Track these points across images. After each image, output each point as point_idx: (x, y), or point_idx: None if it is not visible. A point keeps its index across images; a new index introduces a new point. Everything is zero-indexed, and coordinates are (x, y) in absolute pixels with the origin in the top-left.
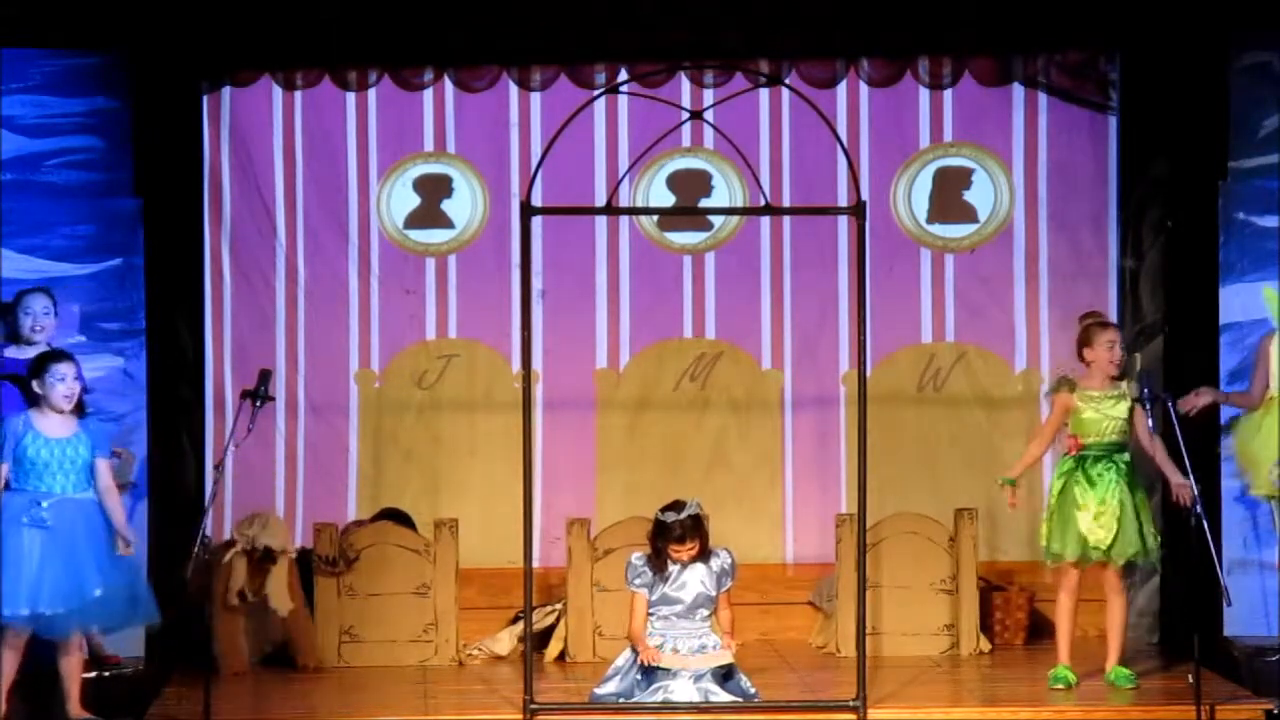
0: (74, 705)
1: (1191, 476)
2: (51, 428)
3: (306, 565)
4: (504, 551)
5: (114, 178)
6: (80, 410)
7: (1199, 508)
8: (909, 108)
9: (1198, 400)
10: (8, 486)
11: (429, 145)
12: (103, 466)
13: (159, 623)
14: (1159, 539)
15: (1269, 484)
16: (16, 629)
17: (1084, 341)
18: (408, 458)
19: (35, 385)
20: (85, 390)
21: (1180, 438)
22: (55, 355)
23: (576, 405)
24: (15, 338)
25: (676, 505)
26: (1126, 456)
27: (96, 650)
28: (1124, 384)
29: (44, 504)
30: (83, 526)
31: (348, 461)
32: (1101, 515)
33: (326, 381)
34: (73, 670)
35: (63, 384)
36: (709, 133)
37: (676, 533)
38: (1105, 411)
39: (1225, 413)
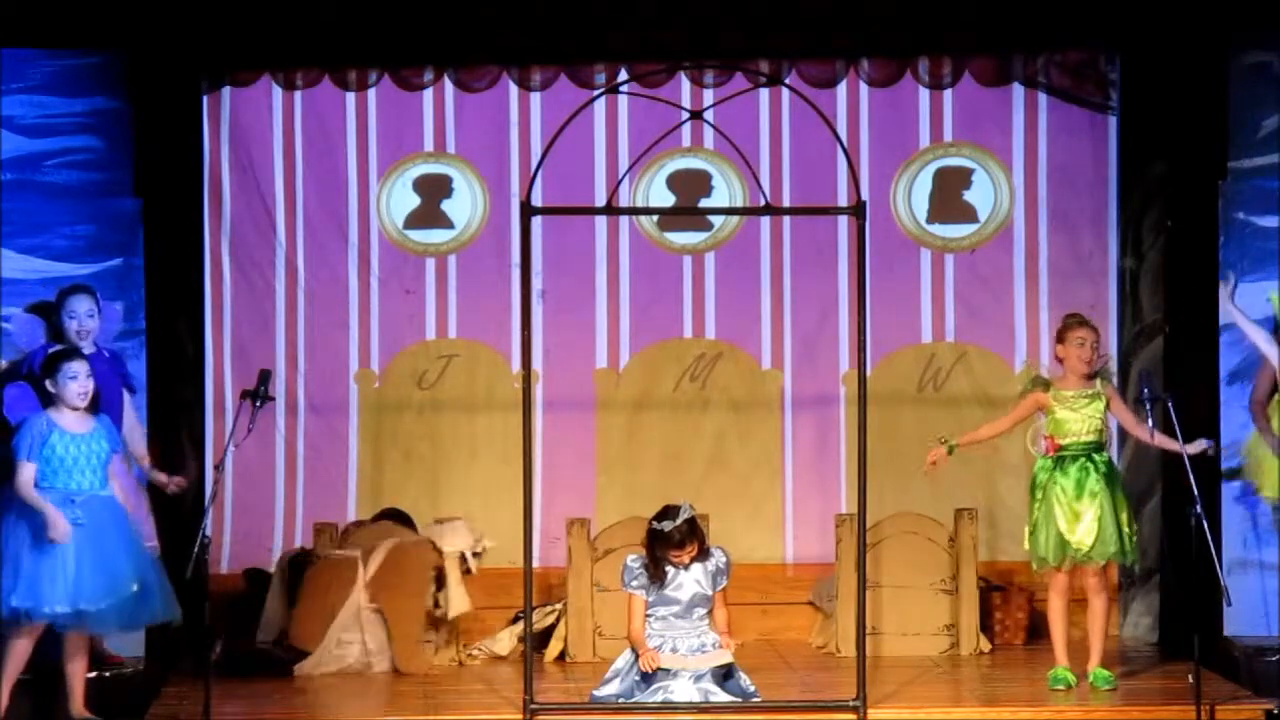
0: (77, 705)
1: (1192, 476)
2: (72, 424)
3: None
4: (504, 551)
5: (114, 178)
6: (96, 406)
7: (1199, 507)
8: (909, 108)
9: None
10: (35, 486)
11: (429, 145)
12: (116, 462)
13: (180, 619)
14: (1136, 540)
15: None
16: (33, 626)
17: (1058, 339)
18: (408, 458)
19: (48, 385)
20: (133, 389)
21: (1180, 438)
22: (65, 354)
23: (576, 405)
24: (60, 339)
25: (670, 512)
26: (1105, 456)
27: (98, 650)
28: (1098, 383)
29: (77, 501)
30: (112, 523)
31: (348, 461)
32: (1080, 516)
33: (326, 381)
34: (78, 671)
35: (75, 382)
36: (709, 133)
37: (676, 539)
38: (1080, 411)
39: (1229, 417)
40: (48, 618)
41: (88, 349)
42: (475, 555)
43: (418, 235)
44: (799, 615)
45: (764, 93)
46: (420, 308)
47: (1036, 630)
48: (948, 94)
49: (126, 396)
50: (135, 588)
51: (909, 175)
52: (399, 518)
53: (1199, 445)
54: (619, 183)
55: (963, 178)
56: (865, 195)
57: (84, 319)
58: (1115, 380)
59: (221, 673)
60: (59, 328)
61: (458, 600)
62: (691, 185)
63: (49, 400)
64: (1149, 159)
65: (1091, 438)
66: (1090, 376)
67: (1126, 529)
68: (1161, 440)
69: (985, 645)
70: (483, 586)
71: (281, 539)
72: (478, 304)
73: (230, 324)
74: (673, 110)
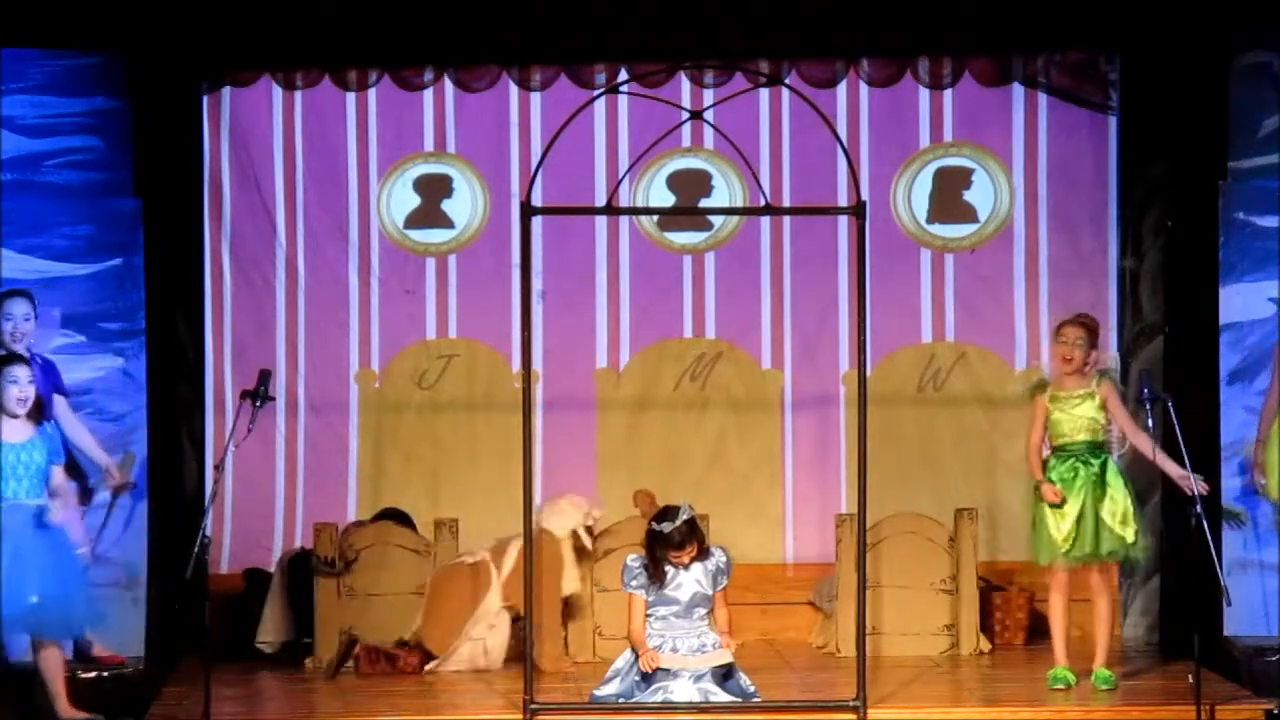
0: (62, 704)
1: (1192, 476)
2: (7, 433)
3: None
4: None
5: (114, 178)
6: (39, 416)
7: (1199, 508)
8: (909, 108)
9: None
10: None
11: (429, 145)
12: (56, 473)
13: (95, 629)
14: (1139, 537)
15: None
16: None
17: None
18: (408, 458)
19: None
20: (66, 394)
21: (1180, 438)
22: (8, 359)
23: (576, 405)
24: None
25: (669, 513)
26: (1102, 456)
27: (84, 650)
28: (1093, 383)
29: None
30: (31, 532)
31: (348, 461)
32: (1065, 515)
33: (326, 381)
34: (52, 667)
35: (15, 387)
36: (709, 133)
37: (676, 540)
38: (1071, 412)
39: (1229, 417)
40: None
41: (20, 351)
42: (588, 529)
43: (418, 235)
44: (799, 615)
45: (764, 93)
46: (420, 308)
47: (1036, 630)
48: (948, 94)
49: (62, 402)
50: (34, 599)
51: (909, 175)
52: (399, 518)
53: (1198, 485)
54: (619, 183)
55: (963, 178)
56: (865, 195)
57: (20, 322)
58: (1117, 379)
59: (357, 672)
60: None
61: (570, 580)
62: (691, 185)
63: None
64: (1149, 159)
65: (1085, 437)
66: (1085, 375)
67: (1120, 529)
68: (1162, 460)
69: (985, 645)
70: None
71: (281, 539)
72: (478, 304)
73: (230, 324)
74: (673, 110)
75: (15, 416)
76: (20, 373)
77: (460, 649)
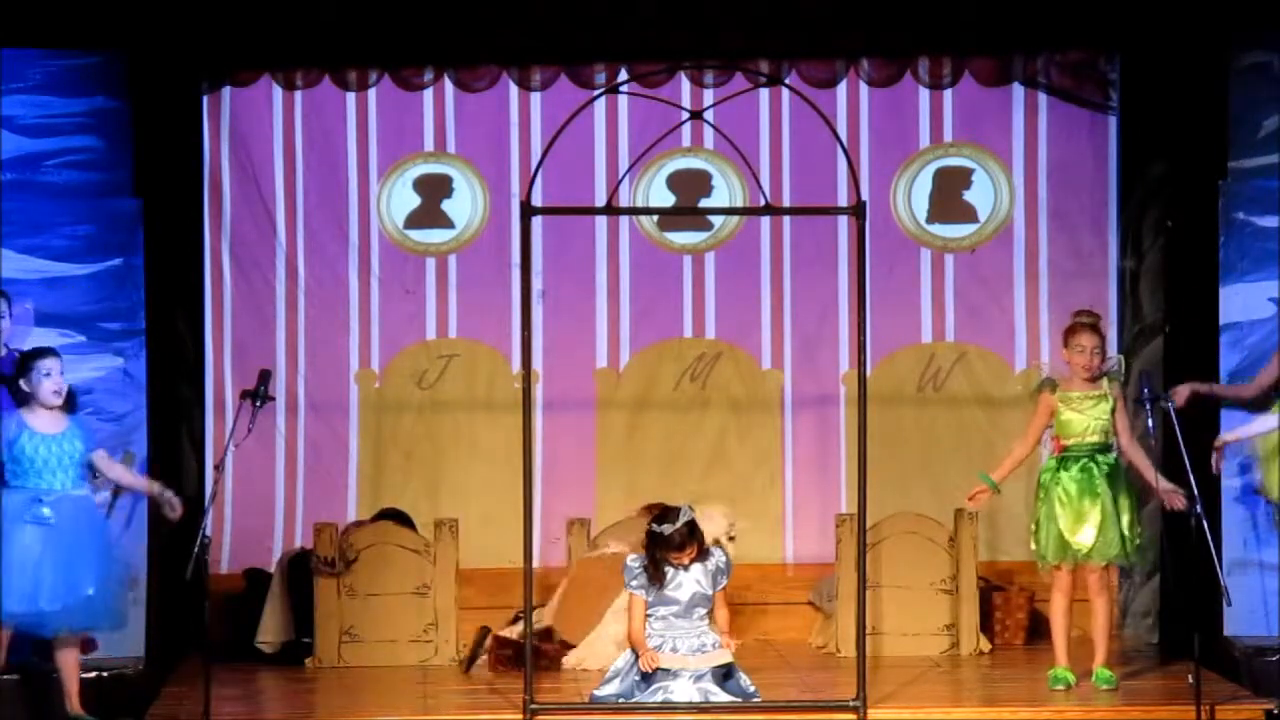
0: (73, 702)
1: (1192, 476)
2: (43, 424)
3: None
4: (504, 551)
5: (114, 178)
6: (70, 406)
7: (1199, 508)
8: (909, 108)
9: (1181, 392)
10: (5, 484)
11: (429, 145)
12: (101, 457)
13: (121, 628)
14: (1141, 541)
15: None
16: (6, 625)
17: (1064, 342)
18: (408, 458)
19: (23, 383)
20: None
21: (1180, 438)
22: (40, 352)
23: (576, 405)
24: None
25: (669, 514)
26: (1110, 457)
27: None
28: (1105, 384)
29: (46, 501)
30: (84, 524)
31: (348, 461)
32: (1083, 517)
33: (326, 381)
34: (71, 665)
35: (49, 379)
36: (709, 133)
37: (676, 541)
38: (1085, 413)
39: (1229, 417)
40: (5, 615)
41: None
42: (730, 539)
43: (418, 235)
44: (799, 615)
45: (764, 93)
46: (420, 308)
47: (1036, 630)
48: (948, 94)
49: None
50: (90, 591)
51: (909, 175)
52: (399, 518)
53: (1179, 501)
54: (619, 183)
55: (963, 178)
56: (865, 195)
57: None
58: (1122, 380)
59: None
60: None
61: None
62: (691, 185)
63: (23, 399)
64: (1149, 159)
65: (1096, 439)
66: (1096, 378)
67: (1128, 531)
68: (1148, 470)
69: (985, 645)
70: (482, 587)
71: (281, 539)
72: (478, 304)
73: (230, 324)
74: (673, 110)
75: (52, 408)
76: (52, 365)
77: (596, 644)
